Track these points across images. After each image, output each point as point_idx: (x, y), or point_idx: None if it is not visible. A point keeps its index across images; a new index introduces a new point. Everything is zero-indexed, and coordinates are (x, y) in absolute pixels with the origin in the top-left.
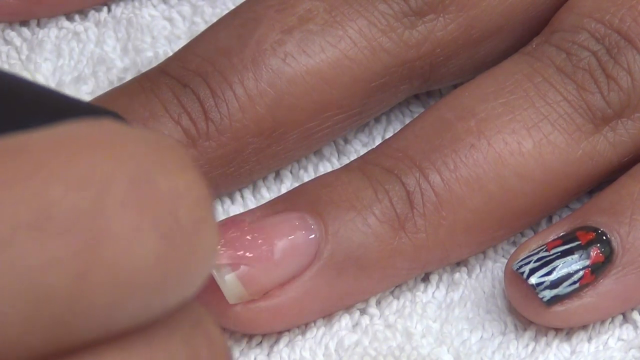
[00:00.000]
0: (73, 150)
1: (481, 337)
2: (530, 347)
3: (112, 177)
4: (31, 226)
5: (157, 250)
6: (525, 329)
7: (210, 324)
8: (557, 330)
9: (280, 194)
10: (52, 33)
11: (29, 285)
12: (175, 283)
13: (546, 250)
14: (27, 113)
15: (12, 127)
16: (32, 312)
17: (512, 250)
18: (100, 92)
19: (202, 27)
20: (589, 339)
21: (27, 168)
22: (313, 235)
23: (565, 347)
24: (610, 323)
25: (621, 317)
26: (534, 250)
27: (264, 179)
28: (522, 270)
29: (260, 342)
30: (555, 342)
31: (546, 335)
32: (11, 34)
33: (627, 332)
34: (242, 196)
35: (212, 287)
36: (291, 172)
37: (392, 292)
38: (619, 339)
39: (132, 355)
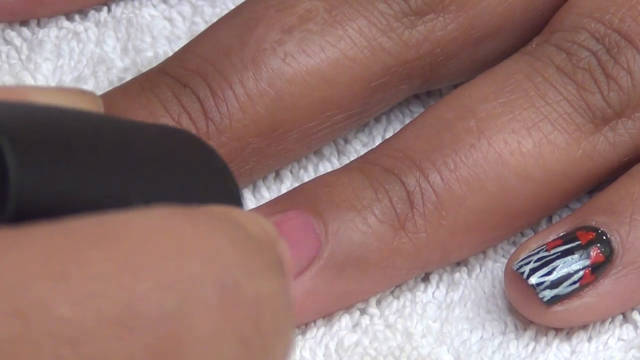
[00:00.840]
0: (165, 244)
1: (481, 337)
2: (531, 347)
3: (199, 279)
4: (116, 320)
5: (235, 356)
6: (525, 329)
7: None
8: (557, 330)
9: (280, 194)
10: (52, 33)
11: None
12: None
13: (546, 250)
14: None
15: (136, 200)
16: None
17: (512, 250)
18: (100, 92)
19: (202, 27)
20: (589, 339)
21: (120, 257)
22: (313, 235)
23: (566, 347)
24: (610, 323)
25: (621, 317)
26: (534, 250)
27: (264, 179)
28: (522, 270)
29: None
30: (556, 342)
31: (546, 335)
32: (11, 34)
33: (627, 332)
34: (242, 196)
35: None
36: (291, 172)
37: (392, 292)
38: (619, 339)
39: None
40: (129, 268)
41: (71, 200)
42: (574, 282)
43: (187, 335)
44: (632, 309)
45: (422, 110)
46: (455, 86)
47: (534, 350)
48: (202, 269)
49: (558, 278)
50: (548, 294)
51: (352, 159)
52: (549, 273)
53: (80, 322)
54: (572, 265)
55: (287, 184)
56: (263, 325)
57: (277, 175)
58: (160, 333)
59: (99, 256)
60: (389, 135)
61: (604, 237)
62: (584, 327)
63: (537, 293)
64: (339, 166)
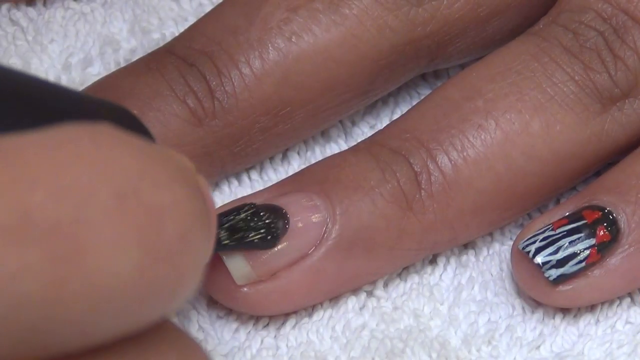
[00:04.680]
0: (61, 157)
1: (489, 319)
2: (538, 330)
3: (96, 187)
4: (8, 230)
5: (138, 264)
6: (533, 312)
7: (191, 348)
8: (565, 313)
9: (287, 175)
10: (59, 14)
11: (3, 290)
12: (157, 297)
13: (552, 230)
14: (23, 112)
15: (5, 128)
16: (5, 318)
17: None
18: (107, 74)
19: (209, 8)
20: (597, 322)
21: (13, 171)
22: (321, 216)
23: (573, 330)
24: (618, 306)
25: (629, 299)
26: (539, 229)
27: (271, 160)
28: (528, 249)
29: (267, 324)
30: (563, 325)
31: (554, 318)
32: (17, 15)
33: (635, 315)
34: (249, 177)
35: (220, 269)
36: (298, 154)
37: (399, 275)
38: (627, 322)
39: None
40: (24, 179)
41: None
42: (580, 261)
43: (86, 242)
44: None
45: (429, 92)
46: (463, 66)
47: (541, 333)
48: (99, 178)
49: (564, 257)
50: (554, 273)
51: (359, 140)
52: (554, 252)
53: None
54: (578, 244)
55: (294, 166)
56: (166, 233)
57: (285, 156)
58: (58, 241)
59: None
60: (396, 117)
61: (610, 216)
62: (592, 310)
63: (543, 272)
64: (346, 148)
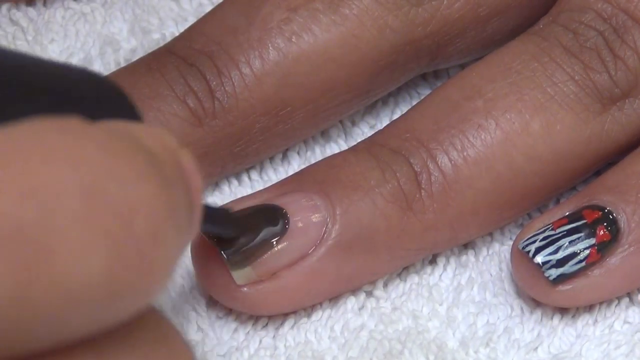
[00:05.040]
0: (24, 157)
1: (487, 321)
2: (536, 332)
3: (61, 187)
4: None
5: (107, 264)
6: (531, 313)
7: (176, 340)
8: (563, 313)
9: (287, 175)
10: (59, 14)
11: None
12: (128, 295)
13: (552, 229)
14: None
15: None
16: None
17: None
18: (107, 74)
19: (209, 8)
20: (595, 322)
21: None
22: (320, 216)
23: (571, 331)
24: (616, 306)
25: (627, 299)
26: (539, 229)
27: (271, 160)
28: (528, 249)
29: (266, 324)
30: (561, 326)
31: (552, 319)
32: (17, 15)
33: (633, 314)
34: (249, 177)
35: (220, 268)
36: (298, 154)
37: (399, 275)
38: (625, 322)
39: None
40: None
41: None
42: (580, 261)
43: (52, 244)
44: (639, 292)
45: (429, 92)
46: (463, 66)
47: (539, 334)
48: (64, 177)
49: (564, 257)
50: (554, 272)
51: (359, 140)
52: (554, 252)
53: None
54: (578, 244)
55: (294, 166)
56: (135, 232)
57: (285, 156)
58: (23, 244)
59: None
60: (396, 117)
61: (610, 216)
62: (590, 310)
63: (543, 272)
64: (346, 148)
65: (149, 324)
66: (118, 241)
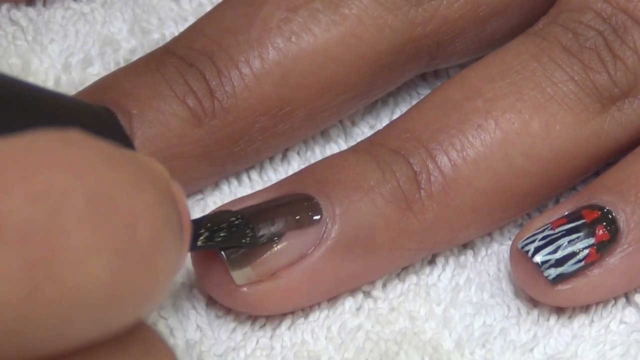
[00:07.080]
0: (34, 163)
1: (484, 322)
2: (532, 332)
3: (69, 192)
4: None
5: (111, 267)
6: (528, 313)
7: (164, 352)
8: (559, 314)
9: (287, 175)
10: (59, 14)
11: None
12: (130, 300)
13: (551, 229)
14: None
15: None
16: None
17: None
18: (107, 74)
19: (209, 8)
20: (591, 323)
21: None
22: (320, 216)
23: (567, 332)
24: (612, 306)
25: (624, 299)
26: (539, 228)
27: (271, 160)
28: (527, 248)
29: (264, 324)
30: (557, 327)
31: (548, 320)
32: (17, 15)
33: (629, 315)
34: (249, 177)
35: (219, 269)
36: (298, 154)
37: (398, 275)
38: (621, 322)
39: None
40: None
41: None
42: (579, 261)
43: (61, 246)
44: (635, 292)
45: (429, 92)
46: (462, 66)
47: (535, 335)
48: (72, 183)
49: (563, 256)
50: (553, 272)
51: (359, 140)
52: (554, 251)
53: None
54: (577, 243)
55: (294, 166)
56: (139, 237)
57: (284, 156)
58: (33, 245)
59: None
60: (396, 117)
61: (610, 216)
62: (586, 310)
63: (542, 271)
64: (346, 148)
65: (138, 337)
66: (122, 245)
